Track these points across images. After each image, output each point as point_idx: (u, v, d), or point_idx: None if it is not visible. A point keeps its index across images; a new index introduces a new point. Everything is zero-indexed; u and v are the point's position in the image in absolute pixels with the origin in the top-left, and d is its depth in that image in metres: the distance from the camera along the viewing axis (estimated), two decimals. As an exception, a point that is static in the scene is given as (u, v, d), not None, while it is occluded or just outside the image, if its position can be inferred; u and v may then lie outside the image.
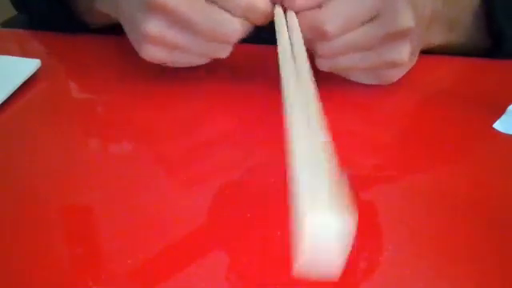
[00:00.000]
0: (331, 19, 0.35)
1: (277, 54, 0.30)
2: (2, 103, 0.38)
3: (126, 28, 0.39)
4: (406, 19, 0.35)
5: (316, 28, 0.35)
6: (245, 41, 0.39)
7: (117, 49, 0.42)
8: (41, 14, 0.48)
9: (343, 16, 0.35)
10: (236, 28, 0.36)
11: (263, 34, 0.37)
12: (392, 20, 0.35)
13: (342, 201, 0.16)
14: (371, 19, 0.35)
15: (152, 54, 0.37)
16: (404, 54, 0.37)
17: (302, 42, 0.32)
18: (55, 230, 0.28)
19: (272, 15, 0.36)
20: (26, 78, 0.40)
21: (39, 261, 0.26)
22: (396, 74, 0.39)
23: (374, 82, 0.40)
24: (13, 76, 0.40)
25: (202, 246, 0.27)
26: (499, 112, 0.36)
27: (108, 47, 0.43)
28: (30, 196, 0.31)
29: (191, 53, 0.38)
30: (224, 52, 0.38)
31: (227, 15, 0.35)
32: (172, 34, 0.36)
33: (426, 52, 0.43)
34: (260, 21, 0.37)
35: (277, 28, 0.35)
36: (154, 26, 0.35)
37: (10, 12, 0.56)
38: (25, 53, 0.47)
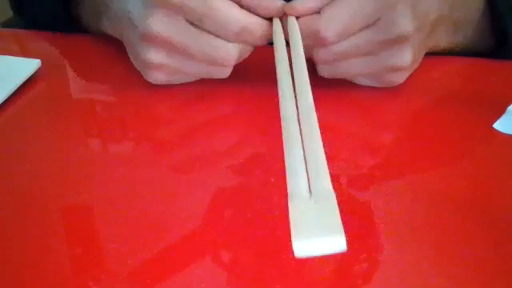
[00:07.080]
0: (329, 25, 0.35)
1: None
2: (2, 103, 0.38)
3: (130, 55, 0.40)
4: (405, 24, 0.35)
5: (314, 34, 0.36)
6: None
7: (117, 48, 0.42)
8: (41, 18, 0.49)
9: (341, 22, 0.35)
10: (230, 52, 0.37)
11: None
12: (391, 25, 0.35)
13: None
14: (370, 24, 0.36)
15: (155, 78, 0.39)
16: (406, 58, 0.37)
17: (302, 56, 0.33)
18: (55, 230, 0.28)
19: (270, 34, 0.37)
20: (26, 78, 0.41)
21: (39, 261, 0.26)
22: (398, 79, 0.39)
23: (377, 85, 0.40)
24: (13, 76, 0.40)
25: (201, 246, 0.27)
26: (499, 112, 0.36)
27: (108, 47, 0.43)
28: (30, 196, 0.31)
29: (192, 75, 0.40)
30: (223, 73, 0.39)
31: (220, 41, 0.36)
32: (171, 61, 0.38)
33: (430, 54, 0.43)
34: (259, 42, 0.38)
35: (275, 44, 0.35)
36: (154, 56, 0.37)
37: (10, 12, 0.56)
38: (25, 53, 0.47)
